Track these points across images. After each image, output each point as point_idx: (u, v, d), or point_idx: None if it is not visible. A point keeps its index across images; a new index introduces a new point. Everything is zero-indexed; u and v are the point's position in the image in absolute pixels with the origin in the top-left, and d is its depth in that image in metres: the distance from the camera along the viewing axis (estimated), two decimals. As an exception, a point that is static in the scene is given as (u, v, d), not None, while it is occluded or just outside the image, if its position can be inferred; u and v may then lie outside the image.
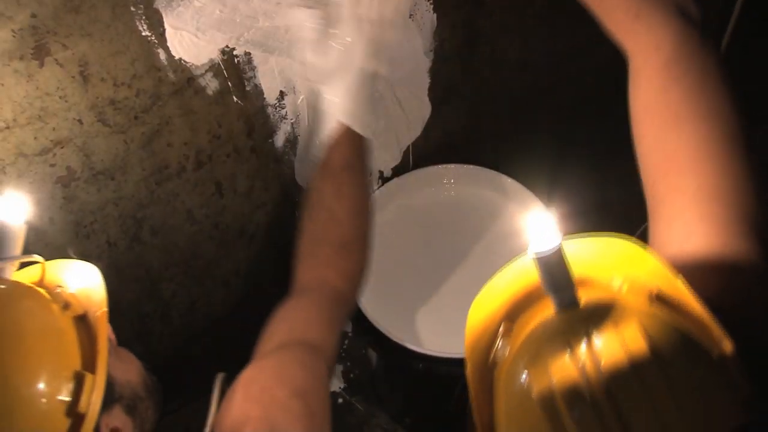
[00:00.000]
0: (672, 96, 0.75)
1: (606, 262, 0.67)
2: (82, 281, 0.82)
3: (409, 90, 1.26)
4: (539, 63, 1.38)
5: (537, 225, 0.64)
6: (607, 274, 0.66)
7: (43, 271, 0.82)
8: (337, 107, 0.98)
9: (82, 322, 0.77)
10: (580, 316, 0.61)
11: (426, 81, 1.27)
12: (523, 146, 1.46)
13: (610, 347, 0.57)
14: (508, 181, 1.33)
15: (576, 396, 0.56)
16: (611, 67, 1.41)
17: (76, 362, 0.73)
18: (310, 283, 0.96)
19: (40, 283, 0.81)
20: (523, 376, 0.60)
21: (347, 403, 1.57)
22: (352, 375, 1.59)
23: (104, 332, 0.76)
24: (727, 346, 0.58)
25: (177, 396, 0.99)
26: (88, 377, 0.72)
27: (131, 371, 0.84)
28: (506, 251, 1.28)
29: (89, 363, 0.74)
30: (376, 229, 1.33)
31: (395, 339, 1.17)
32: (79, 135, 0.94)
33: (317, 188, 1.00)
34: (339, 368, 1.60)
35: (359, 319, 1.22)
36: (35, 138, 0.91)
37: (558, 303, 0.62)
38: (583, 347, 0.58)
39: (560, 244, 0.62)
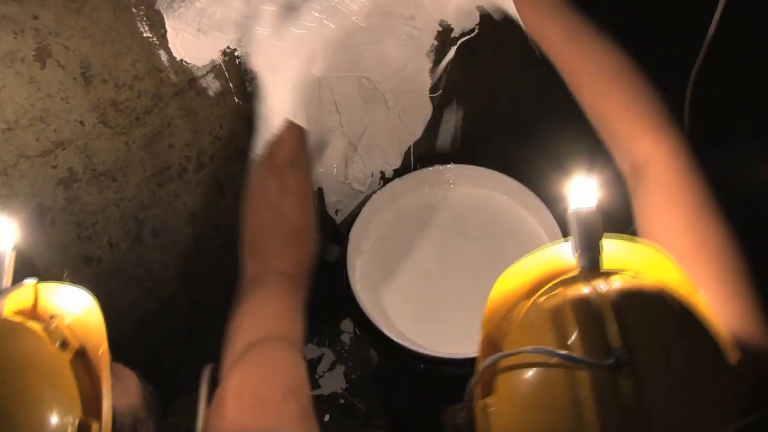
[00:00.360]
0: (696, 192, 0.82)
1: (633, 260, 0.69)
2: (78, 310, 0.75)
3: (410, 91, 1.26)
4: (540, 62, 1.38)
5: (578, 187, 0.68)
6: (633, 269, 0.68)
7: (36, 296, 0.75)
8: (280, 102, 0.99)
9: (81, 358, 0.71)
10: (602, 274, 0.64)
11: (427, 82, 1.27)
12: (525, 146, 1.46)
13: (626, 282, 0.61)
14: (510, 182, 1.33)
15: (583, 305, 0.60)
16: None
17: (77, 409, 0.67)
18: (261, 277, 0.97)
19: (33, 312, 0.74)
20: (540, 302, 0.63)
21: (349, 404, 1.57)
22: (353, 376, 1.59)
23: (107, 375, 0.71)
24: (737, 357, 0.60)
25: (178, 397, 0.99)
26: (94, 428, 0.67)
27: (131, 392, 0.79)
28: (508, 251, 1.29)
29: (91, 406, 0.69)
30: (378, 229, 1.33)
31: (396, 339, 1.17)
32: (80, 136, 0.94)
33: (262, 184, 1.01)
34: (340, 369, 1.60)
35: (360, 319, 1.22)
36: (37, 139, 0.91)
37: (583, 262, 0.64)
38: (601, 283, 0.61)
39: (596, 206, 0.66)
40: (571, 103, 1.03)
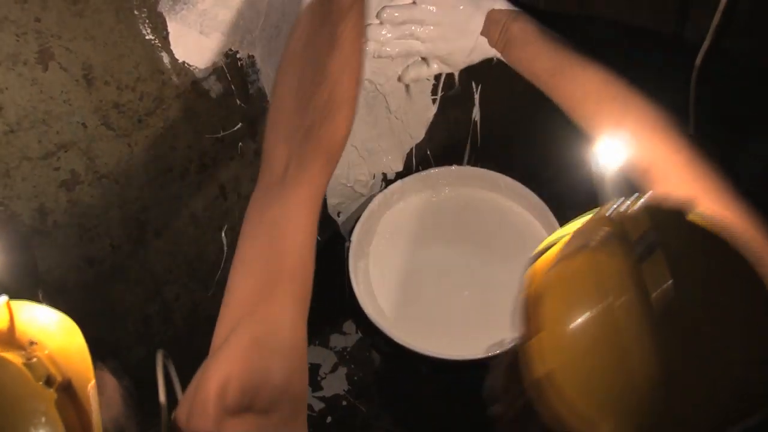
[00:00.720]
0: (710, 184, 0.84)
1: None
2: (59, 337, 0.68)
3: (411, 93, 1.26)
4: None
5: (606, 144, 0.74)
6: None
7: (12, 318, 0.67)
8: None
9: (66, 391, 0.65)
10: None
11: (429, 83, 1.27)
12: (527, 147, 1.46)
13: (660, 198, 0.63)
14: (512, 183, 1.33)
15: (607, 220, 0.62)
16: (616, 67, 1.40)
17: None
18: (284, 180, 0.84)
19: (10, 336, 0.67)
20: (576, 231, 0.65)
21: (351, 406, 1.57)
22: (355, 377, 1.59)
23: (98, 414, 0.65)
24: None
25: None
26: None
27: (112, 402, 0.74)
28: (510, 253, 1.29)
29: None
30: (380, 231, 1.33)
31: (398, 341, 1.17)
32: (83, 138, 0.94)
33: (311, 33, 0.87)
34: (342, 371, 1.60)
35: (362, 321, 1.22)
36: (39, 142, 0.91)
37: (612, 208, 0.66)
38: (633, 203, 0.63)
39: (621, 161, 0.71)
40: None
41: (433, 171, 1.36)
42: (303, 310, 0.82)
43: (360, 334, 1.61)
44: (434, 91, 1.29)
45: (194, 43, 0.96)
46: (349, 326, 1.64)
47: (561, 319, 0.61)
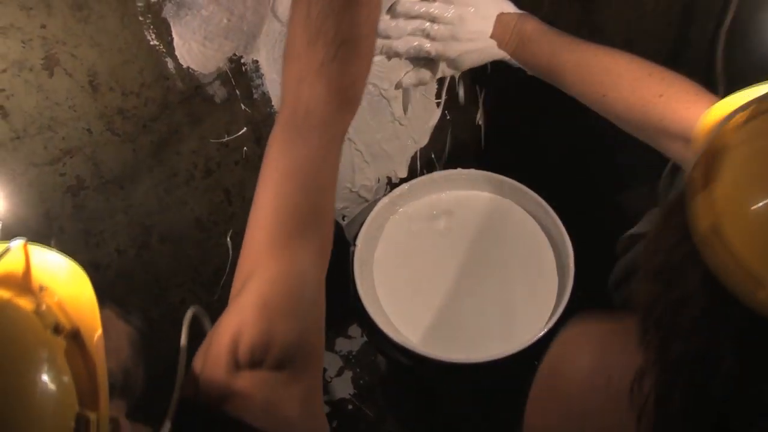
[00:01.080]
0: None
1: None
2: (69, 285, 0.67)
3: (416, 98, 1.26)
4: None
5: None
6: None
7: (27, 263, 0.66)
8: None
9: (74, 339, 0.64)
10: None
11: (433, 87, 1.28)
12: (532, 150, 1.46)
13: None
14: (516, 186, 1.33)
15: None
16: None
17: (73, 401, 0.61)
18: (300, 115, 0.79)
19: (24, 280, 0.66)
20: None
21: (357, 409, 1.57)
22: (361, 381, 1.59)
23: (104, 365, 0.64)
24: None
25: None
26: (92, 421, 0.61)
27: (120, 347, 0.72)
28: (515, 256, 1.29)
29: (87, 394, 0.62)
30: (384, 235, 1.33)
31: (404, 344, 1.17)
32: (88, 144, 0.95)
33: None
34: (348, 374, 1.60)
35: (368, 325, 1.22)
36: (45, 147, 0.91)
37: None
38: None
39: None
40: (582, 108, 1.04)
41: (438, 174, 1.36)
42: (322, 263, 0.81)
43: (365, 338, 1.61)
44: (438, 95, 1.30)
45: (198, 48, 0.96)
46: (354, 330, 1.64)
47: (744, 172, 0.61)
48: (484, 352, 1.16)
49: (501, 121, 1.44)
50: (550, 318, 1.18)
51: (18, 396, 0.58)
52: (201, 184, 1.11)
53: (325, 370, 1.59)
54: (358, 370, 1.60)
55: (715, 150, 0.64)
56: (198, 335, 0.83)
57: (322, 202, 0.80)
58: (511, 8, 1.09)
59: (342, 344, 1.63)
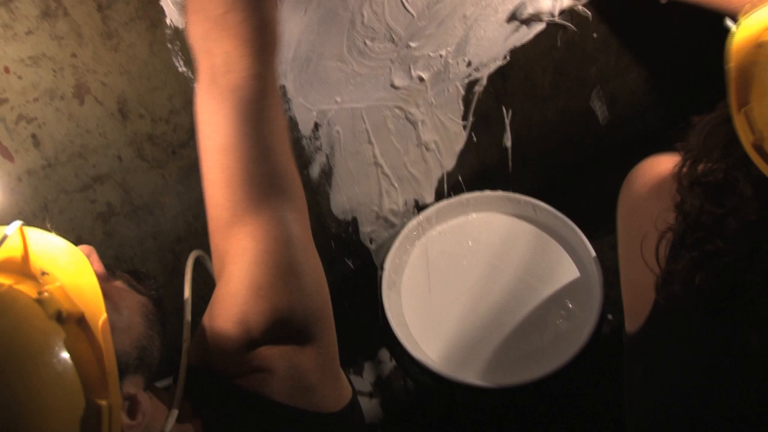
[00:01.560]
0: None
1: None
2: (70, 268, 0.65)
3: (443, 119, 1.26)
4: (569, 90, 1.37)
5: None
6: None
7: (25, 246, 0.64)
8: None
9: (79, 325, 0.62)
10: None
11: (459, 110, 1.27)
12: (558, 172, 1.45)
13: None
14: (544, 208, 1.31)
15: None
16: (643, 89, 1.39)
17: (78, 389, 0.59)
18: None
19: (23, 265, 0.64)
20: None
21: (386, 435, 1.55)
22: (390, 406, 1.58)
23: (111, 350, 0.62)
24: None
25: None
26: (103, 407, 0.59)
27: (132, 323, 0.70)
28: (544, 278, 1.27)
29: (96, 381, 0.60)
30: (412, 258, 1.33)
31: (433, 369, 1.16)
32: (118, 171, 0.96)
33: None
34: (377, 399, 1.59)
35: (397, 349, 1.21)
36: (76, 175, 0.92)
37: None
38: None
39: None
40: (608, 128, 1.03)
41: (465, 197, 1.36)
42: (302, 218, 0.77)
43: (394, 362, 1.59)
44: (464, 117, 1.29)
45: (226, 74, 0.97)
46: (383, 354, 1.63)
47: None
48: (514, 378, 1.14)
49: (530, 143, 1.44)
50: (579, 341, 1.17)
51: (24, 388, 0.56)
52: (229, 209, 1.11)
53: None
54: (387, 394, 1.59)
55: (745, 69, 0.67)
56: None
57: (275, 160, 0.75)
58: None
59: (371, 369, 1.62)
